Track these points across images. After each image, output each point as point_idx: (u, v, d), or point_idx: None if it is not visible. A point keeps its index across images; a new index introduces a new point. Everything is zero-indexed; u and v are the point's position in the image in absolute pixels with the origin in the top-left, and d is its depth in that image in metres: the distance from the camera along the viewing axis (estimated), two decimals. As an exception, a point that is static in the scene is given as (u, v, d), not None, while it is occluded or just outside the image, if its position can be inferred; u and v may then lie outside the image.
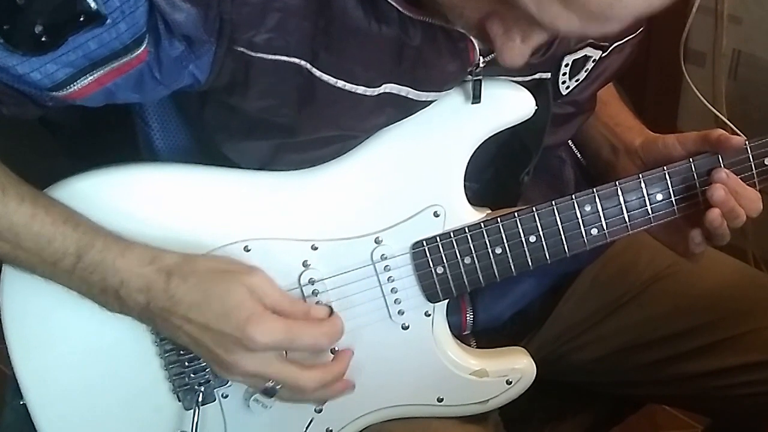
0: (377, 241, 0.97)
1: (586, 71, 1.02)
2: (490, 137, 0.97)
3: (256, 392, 0.98)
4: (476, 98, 0.94)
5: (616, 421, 1.35)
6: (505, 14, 0.77)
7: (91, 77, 0.82)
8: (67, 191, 0.91)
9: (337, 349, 0.98)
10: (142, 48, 0.81)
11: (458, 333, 1.07)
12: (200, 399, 0.99)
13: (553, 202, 0.97)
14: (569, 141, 1.16)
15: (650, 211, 0.98)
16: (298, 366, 0.93)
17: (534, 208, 0.97)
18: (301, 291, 0.97)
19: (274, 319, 0.89)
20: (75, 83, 0.82)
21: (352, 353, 0.98)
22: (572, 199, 0.97)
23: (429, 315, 1.00)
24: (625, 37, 1.02)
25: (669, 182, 0.98)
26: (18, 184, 0.86)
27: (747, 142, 0.98)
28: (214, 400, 1.00)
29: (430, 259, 0.97)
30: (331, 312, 0.95)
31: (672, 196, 0.98)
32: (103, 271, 0.87)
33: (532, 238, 0.97)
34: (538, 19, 0.73)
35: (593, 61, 1.02)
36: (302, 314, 0.93)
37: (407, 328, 1.00)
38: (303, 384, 0.93)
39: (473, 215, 0.98)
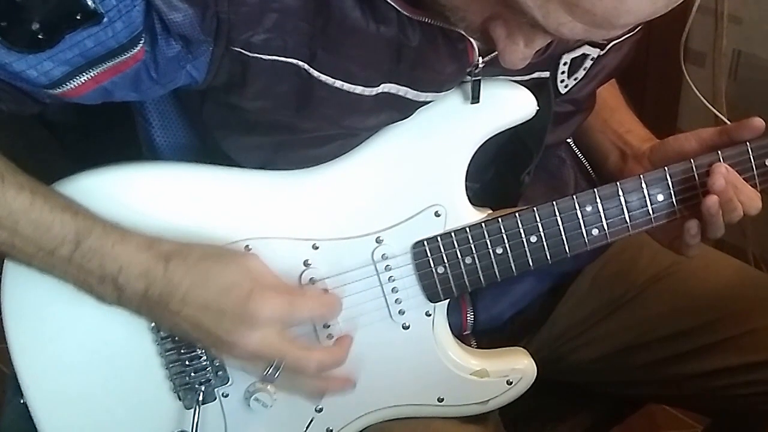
0: (378, 241, 0.97)
1: (584, 69, 1.02)
2: (491, 137, 0.97)
3: (256, 387, 0.98)
4: (475, 99, 0.94)
5: (616, 421, 1.35)
6: (508, 18, 0.77)
7: (88, 75, 0.82)
8: (70, 189, 0.91)
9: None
10: (139, 47, 0.81)
11: (459, 333, 1.07)
12: (201, 398, 0.98)
13: (554, 203, 0.97)
14: (570, 141, 1.16)
15: (651, 212, 0.98)
16: (299, 345, 0.93)
17: (535, 209, 0.97)
18: (302, 291, 0.97)
19: (273, 294, 0.90)
20: (71, 81, 0.82)
21: (351, 339, 0.98)
22: (573, 199, 0.97)
23: (430, 315, 1.00)
24: (623, 36, 1.02)
25: (670, 182, 0.98)
26: (17, 174, 0.86)
27: (748, 143, 0.98)
28: (215, 399, 1.00)
29: (431, 259, 0.97)
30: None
31: (673, 196, 0.98)
32: (102, 257, 0.87)
33: (533, 238, 0.97)
34: (543, 26, 0.73)
35: (591, 60, 1.02)
36: (299, 292, 0.95)
37: (408, 327, 1.00)
38: (304, 362, 0.92)
39: (474, 215, 0.98)
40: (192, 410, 0.99)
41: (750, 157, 0.98)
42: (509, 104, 0.96)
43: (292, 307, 0.90)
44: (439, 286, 0.98)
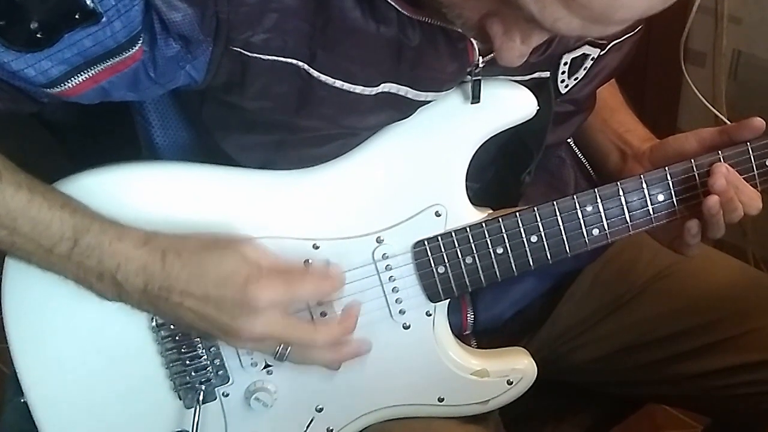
0: (379, 241, 0.97)
1: (584, 69, 1.02)
2: (491, 137, 0.97)
3: (257, 387, 0.98)
4: (476, 98, 0.94)
5: (616, 421, 1.35)
6: (505, 14, 0.77)
7: (86, 75, 0.82)
8: (70, 188, 0.91)
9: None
10: (137, 47, 0.81)
11: (459, 333, 1.07)
12: (201, 397, 0.99)
13: (555, 203, 0.97)
14: (570, 141, 1.16)
15: (651, 212, 0.98)
16: (304, 322, 0.93)
17: (535, 208, 0.97)
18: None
19: (273, 276, 0.89)
20: (69, 80, 0.82)
21: (359, 308, 0.97)
22: (573, 199, 0.97)
23: (430, 315, 1.00)
24: (623, 36, 1.02)
25: (670, 182, 0.98)
26: (15, 172, 0.86)
27: (748, 143, 0.98)
28: (215, 398, 1.00)
29: (431, 259, 0.97)
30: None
31: (673, 196, 0.98)
32: (100, 254, 0.87)
33: (534, 238, 0.97)
34: (539, 21, 0.73)
35: (592, 60, 1.02)
36: (300, 271, 0.94)
37: (408, 327, 1.00)
38: (313, 336, 0.92)
39: (475, 215, 0.98)
40: (192, 410, 0.99)
41: (750, 157, 0.98)
42: (509, 104, 0.96)
43: (291, 289, 0.90)
44: (439, 286, 0.98)
